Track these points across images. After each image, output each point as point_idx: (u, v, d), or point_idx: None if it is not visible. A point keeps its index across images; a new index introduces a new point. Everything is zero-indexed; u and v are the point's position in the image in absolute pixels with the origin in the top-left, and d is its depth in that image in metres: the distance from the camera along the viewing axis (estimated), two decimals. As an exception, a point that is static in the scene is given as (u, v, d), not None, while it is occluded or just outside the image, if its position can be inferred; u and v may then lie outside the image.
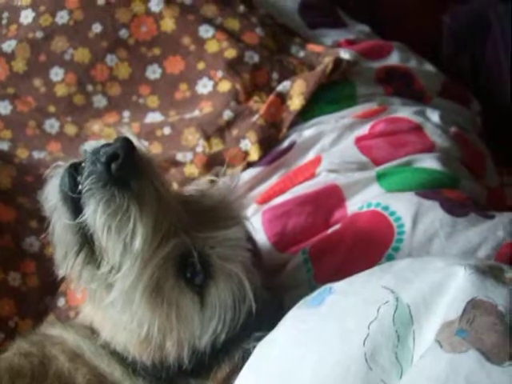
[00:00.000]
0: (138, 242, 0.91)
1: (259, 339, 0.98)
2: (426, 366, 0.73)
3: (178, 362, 0.99)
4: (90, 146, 0.95)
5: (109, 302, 0.96)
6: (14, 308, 1.57)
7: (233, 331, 0.98)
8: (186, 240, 0.96)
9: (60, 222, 0.96)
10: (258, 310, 1.00)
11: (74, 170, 0.94)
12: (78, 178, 0.93)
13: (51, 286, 1.62)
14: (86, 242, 0.95)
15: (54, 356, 1.05)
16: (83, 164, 0.94)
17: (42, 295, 1.62)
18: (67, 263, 0.98)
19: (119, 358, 1.04)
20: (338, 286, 0.98)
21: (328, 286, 1.00)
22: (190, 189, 1.13)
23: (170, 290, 0.96)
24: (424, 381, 0.71)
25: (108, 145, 0.92)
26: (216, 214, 1.04)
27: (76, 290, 1.15)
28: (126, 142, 0.91)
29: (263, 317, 1.01)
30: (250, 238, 1.11)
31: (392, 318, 0.80)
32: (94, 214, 0.91)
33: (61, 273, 1.02)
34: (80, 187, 0.92)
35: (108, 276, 0.95)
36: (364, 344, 0.79)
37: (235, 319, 0.98)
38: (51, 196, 0.98)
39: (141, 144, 0.96)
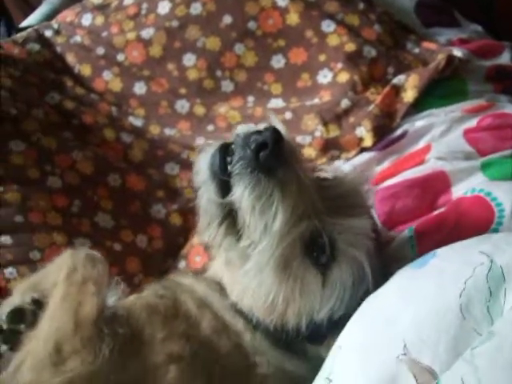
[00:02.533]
0: (277, 224, 1.02)
1: None
2: None
3: (297, 329, 1.10)
4: (241, 130, 1.05)
5: (243, 271, 1.07)
6: (139, 266, 1.80)
7: (349, 308, 1.07)
8: (317, 223, 1.05)
9: (207, 196, 1.08)
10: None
11: (225, 150, 1.05)
12: (228, 159, 1.04)
13: (174, 250, 1.87)
14: (229, 216, 1.07)
15: (184, 301, 1.15)
16: (233, 146, 1.04)
17: (165, 257, 1.86)
18: (210, 231, 1.10)
19: (244, 316, 1.14)
20: (441, 251, 1.07)
21: (432, 251, 1.14)
22: (325, 173, 1.21)
23: (297, 266, 1.06)
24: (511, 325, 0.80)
25: (259, 132, 1.01)
26: (346, 201, 1.12)
27: (214, 255, 1.31)
28: (275, 132, 1.00)
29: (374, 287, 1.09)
30: (375, 228, 1.19)
31: (486, 276, 0.89)
32: (241, 195, 1.02)
33: (203, 239, 1.17)
34: (229, 169, 1.03)
35: (247, 249, 1.06)
36: (460, 296, 0.88)
37: (353, 299, 1.07)
38: (202, 172, 1.08)
39: (287, 134, 1.06)
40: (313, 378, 1.10)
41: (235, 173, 1.03)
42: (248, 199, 1.02)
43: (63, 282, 1.07)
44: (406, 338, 0.95)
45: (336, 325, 1.07)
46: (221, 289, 1.22)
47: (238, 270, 1.10)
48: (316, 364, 1.07)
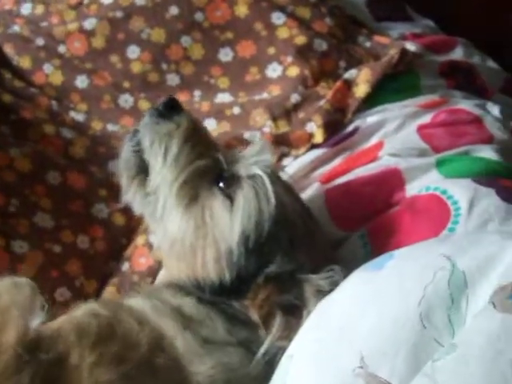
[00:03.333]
0: (172, 154, 1.19)
1: (291, 263, 1.14)
2: (480, 323, 0.79)
3: (220, 280, 1.13)
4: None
5: (158, 215, 1.20)
6: (80, 269, 1.72)
7: (260, 237, 1.12)
8: (219, 156, 1.21)
9: (125, 152, 1.29)
10: (290, 236, 1.15)
11: None
12: None
13: (117, 251, 1.80)
14: (142, 172, 1.25)
15: (123, 319, 1.09)
16: None
17: (107, 259, 1.78)
18: (127, 188, 1.27)
19: (179, 290, 1.18)
20: (399, 252, 1.08)
21: (389, 253, 1.11)
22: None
23: (204, 197, 1.16)
24: (476, 337, 0.77)
25: None
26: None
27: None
28: (173, 97, 1.29)
29: (296, 245, 1.16)
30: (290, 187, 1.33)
31: (447, 282, 0.85)
32: (144, 137, 1.25)
33: (125, 199, 1.30)
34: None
35: (154, 195, 1.22)
36: (420, 304, 0.84)
37: (261, 221, 1.12)
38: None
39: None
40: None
41: (143, 125, 1.27)
42: (148, 136, 1.23)
43: None
44: (363, 350, 0.90)
45: (256, 275, 1.12)
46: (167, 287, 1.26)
47: (156, 225, 1.25)
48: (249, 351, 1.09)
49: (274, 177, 1.19)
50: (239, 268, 1.12)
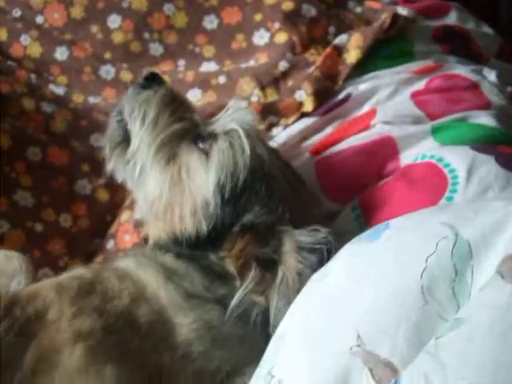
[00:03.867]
0: (150, 116, 1.23)
1: (266, 214, 1.14)
2: (487, 296, 0.75)
3: (197, 232, 1.15)
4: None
5: (137, 178, 1.25)
6: (64, 248, 1.68)
7: (236, 188, 1.13)
8: (197, 119, 1.27)
9: (110, 124, 1.32)
10: (268, 188, 1.16)
11: None
12: None
13: (101, 228, 1.75)
14: (124, 141, 1.28)
15: (106, 277, 1.13)
16: None
17: (91, 237, 1.75)
18: (109, 156, 1.30)
19: (160, 248, 1.21)
20: (395, 221, 1.02)
21: (384, 222, 1.04)
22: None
23: (182, 155, 1.20)
24: (483, 310, 0.73)
25: None
26: None
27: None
28: (154, 71, 1.36)
29: (276, 197, 1.16)
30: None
31: (450, 252, 0.81)
32: (126, 106, 1.29)
33: (107, 169, 1.33)
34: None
35: (133, 159, 1.26)
36: (421, 277, 0.80)
37: (236, 171, 1.14)
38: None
39: None
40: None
41: (125, 97, 1.32)
42: (128, 107, 1.28)
43: None
44: (360, 327, 0.84)
45: (229, 205, 1.14)
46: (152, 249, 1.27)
47: (137, 190, 1.29)
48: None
49: (253, 133, 1.20)
50: (216, 219, 1.14)
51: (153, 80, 1.30)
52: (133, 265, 1.17)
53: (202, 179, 1.16)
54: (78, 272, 1.20)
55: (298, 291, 1.06)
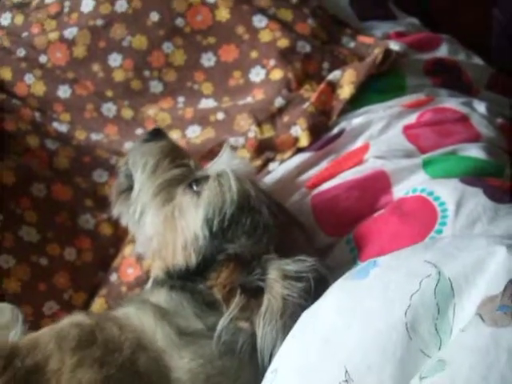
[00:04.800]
0: (149, 166, 1.34)
1: (249, 247, 1.20)
2: (467, 338, 0.77)
3: (186, 264, 1.21)
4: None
5: (137, 219, 1.35)
6: (68, 281, 1.70)
7: (223, 221, 1.20)
8: (191, 164, 1.36)
9: (118, 176, 1.45)
10: (254, 222, 1.21)
11: None
12: None
13: (105, 262, 1.77)
14: (129, 189, 1.38)
15: (108, 327, 1.13)
16: None
17: (95, 270, 1.77)
18: (115, 202, 1.42)
19: (161, 285, 1.26)
20: (383, 259, 1.05)
21: (372, 260, 1.07)
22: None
23: (178, 197, 1.28)
24: (465, 352, 0.75)
25: None
26: None
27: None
28: (158, 127, 1.53)
29: (262, 230, 1.21)
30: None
31: (433, 290, 0.84)
32: (131, 157, 1.42)
33: (113, 213, 1.45)
34: None
35: (135, 204, 1.35)
36: (406, 314, 0.83)
37: (223, 206, 1.21)
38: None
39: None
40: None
41: (130, 150, 1.49)
42: (132, 157, 1.41)
43: None
44: (348, 363, 0.87)
45: (216, 238, 1.20)
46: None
47: (137, 231, 1.39)
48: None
49: (243, 173, 1.28)
50: (205, 250, 1.20)
51: (156, 134, 1.42)
52: (132, 312, 1.18)
53: (192, 215, 1.23)
54: (78, 319, 1.16)
55: (283, 315, 1.12)
